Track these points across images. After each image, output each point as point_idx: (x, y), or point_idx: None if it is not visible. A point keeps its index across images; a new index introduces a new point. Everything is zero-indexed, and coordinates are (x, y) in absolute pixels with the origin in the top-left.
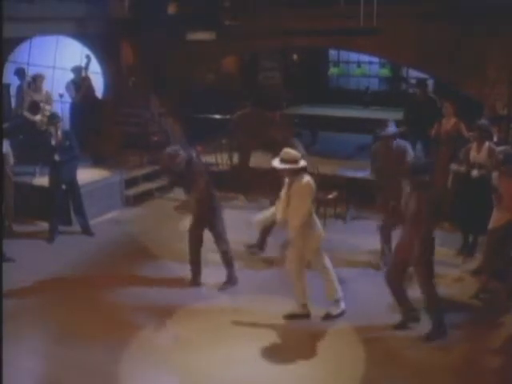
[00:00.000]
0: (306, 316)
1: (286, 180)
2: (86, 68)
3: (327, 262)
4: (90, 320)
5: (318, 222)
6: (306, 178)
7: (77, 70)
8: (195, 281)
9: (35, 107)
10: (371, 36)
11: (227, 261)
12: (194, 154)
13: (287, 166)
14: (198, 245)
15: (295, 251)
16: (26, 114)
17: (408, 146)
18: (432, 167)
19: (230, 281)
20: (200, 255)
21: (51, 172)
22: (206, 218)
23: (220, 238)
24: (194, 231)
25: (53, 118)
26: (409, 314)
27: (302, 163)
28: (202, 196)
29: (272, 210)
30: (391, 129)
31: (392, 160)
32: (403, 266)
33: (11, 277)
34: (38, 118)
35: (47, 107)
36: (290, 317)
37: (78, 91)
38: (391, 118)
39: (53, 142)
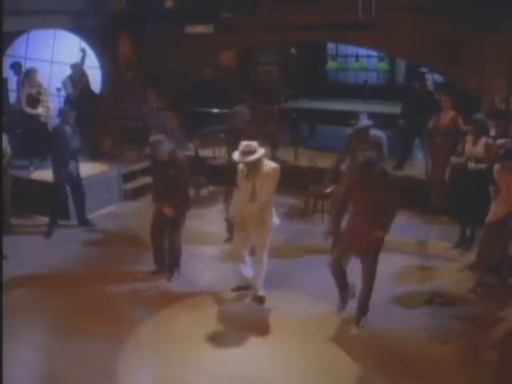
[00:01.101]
0: (249, 288)
1: (242, 171)
2: (82, 62)
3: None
4: (89, 314)
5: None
6: (271, 163)
7: (75, 67)
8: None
9: (34, 101)
10: (369, 30)
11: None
12: (179, 153)
13: (256, 156)
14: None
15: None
16: (27, 109)
17: (384, 136)
18: (381, 161)
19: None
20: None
21: (57, 167)
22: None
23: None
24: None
25: (67, 112)
26: (347, 297)
27: (262, 150)
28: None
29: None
30: (365, 121)
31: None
32: (349, 254)
33: (9, 271)
34: (39, 110)
35: (45, 98)
36: (237, 289)
37: (75, 88)
38: (366, 111)
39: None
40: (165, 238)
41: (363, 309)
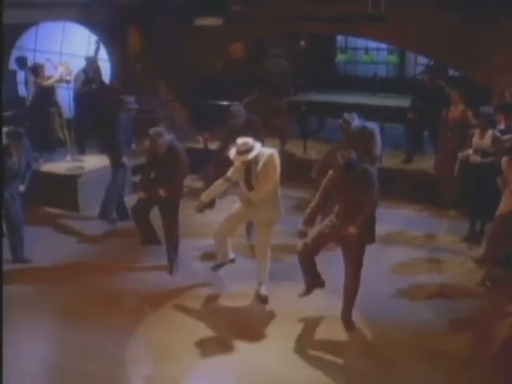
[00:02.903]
0: (231, 261)
1: (239, 167)
2: (97, 54)
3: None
4: (95, 305)
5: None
6: (266, 150)
7: (89, 60)
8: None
9: (50, 91)
10: (379, 22)
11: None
12: (177, 143)
13: (254, 153)
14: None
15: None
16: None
17: (376, 130)
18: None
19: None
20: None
21: (114, 155)
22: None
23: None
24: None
25: (130, 103)
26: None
27: (258, 145)
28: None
29: (218, 184)
30: (356, 121)
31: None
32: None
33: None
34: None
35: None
36: (217, 267)
37: (87, 82)
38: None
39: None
40: (148, 214)
41: (346, 314)
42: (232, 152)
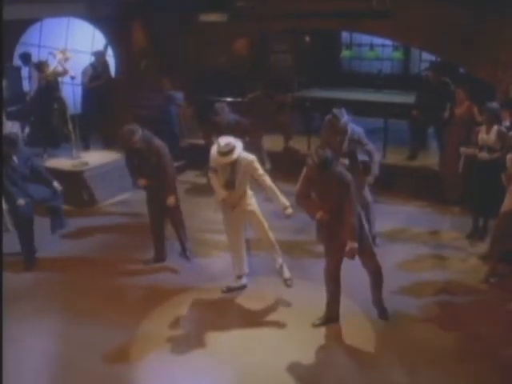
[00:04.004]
0: (242, 288)
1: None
2: (106, 50)
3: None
4: (99, 300)
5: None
6: (247, 155)
7: (98, 55)
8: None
9: (54, 86)
10: (384, 19)
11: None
12: (156, 140)
13: (236, 155)
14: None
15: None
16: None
17: (362, 132)
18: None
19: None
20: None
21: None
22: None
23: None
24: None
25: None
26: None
27: (240, 146)
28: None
29: (213, 179)
30: (346, 118)
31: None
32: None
33: (19, 255)
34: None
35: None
36: (228, 290)
37: (95, 77)
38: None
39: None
40: (164, 226)
41: (382, 311)
42: (213, 151)
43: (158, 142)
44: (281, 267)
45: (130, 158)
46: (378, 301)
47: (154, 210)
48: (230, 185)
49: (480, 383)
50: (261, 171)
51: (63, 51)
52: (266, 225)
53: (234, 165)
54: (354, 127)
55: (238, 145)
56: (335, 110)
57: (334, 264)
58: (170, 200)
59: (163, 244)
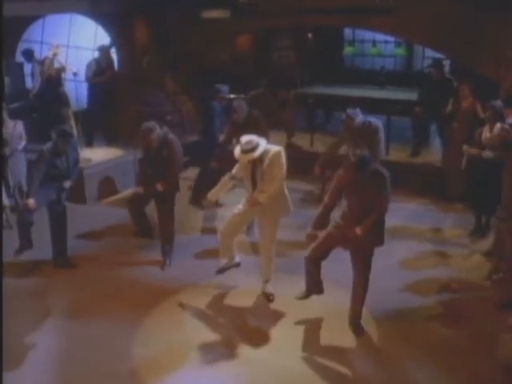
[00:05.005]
0: (236, 265)
1: (243, 164)
2: (111, 45)
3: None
4: (99, 298)
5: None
6: (272, 147)
7: (102, 50)
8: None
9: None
10: (387, 15)
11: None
12: (170, 135)
13: (259, 151)
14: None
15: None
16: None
17: (381, 126)
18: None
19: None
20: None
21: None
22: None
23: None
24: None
25: (218, 92)
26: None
27: (263, 142)
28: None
29: (223, 182)
30: (360, 117)
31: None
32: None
33: (24, 254)
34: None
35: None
36: (221, 270)
37: (99, 72)
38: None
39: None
40: (144, 207)
41: (355, 319)
42: (236, 151)
43: (171, 137)
44: (266, 282)
45: (145, 160)
46: (354, 314)
47: (138, 199)
48: (255, 184)
49: (483, 380)
50: (281, 165)
51: (55, 47)
52: (272, 239)
53: (261, 162)
54: (374, 120)
55: (261, 142)
56: (349, 111)
57: (323, 250)
58: (159, 186)
59: (145, 219)
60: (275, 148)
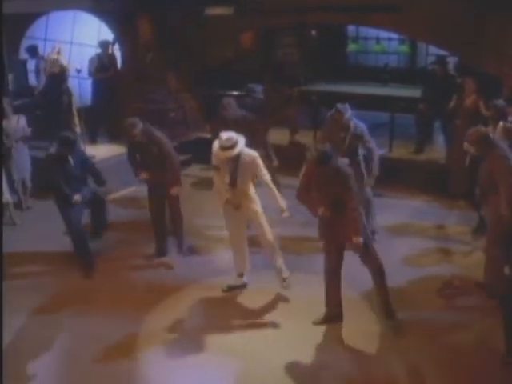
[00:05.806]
0: (243, 287)
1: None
2: (114, 41)
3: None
4: (103, 294)
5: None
6: (250, 151)
7: (104, 45)
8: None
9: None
10: (391, 12)
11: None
12: (157, 132)
13: (238, 150)
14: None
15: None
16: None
17: (365, 128)
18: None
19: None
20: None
21: None
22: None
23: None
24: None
25: (255, 92)
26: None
27: (242, 141)
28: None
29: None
30: (349, 113)
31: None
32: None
33: (27, 249)
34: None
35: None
36: (229, 289)
37: (102, 68)
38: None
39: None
40: (165, 220)
41: (388, 313)
42: (215, 146)
43: (158, 133)
44: (280, 267)
45: (132, 151)
46: (383, 302)
47: (154, 205)
48: (232, 182)
49: (486, 378)
50: (263, 169)
51: (58, 48)
52: (267, 226)
53: (237, 161)
54: (358, 123)
55: (240, 140)
56: (339, 106)
57: (335, 262)
58: (174, 190)
59: (165, 238)
60: (252, 154)
